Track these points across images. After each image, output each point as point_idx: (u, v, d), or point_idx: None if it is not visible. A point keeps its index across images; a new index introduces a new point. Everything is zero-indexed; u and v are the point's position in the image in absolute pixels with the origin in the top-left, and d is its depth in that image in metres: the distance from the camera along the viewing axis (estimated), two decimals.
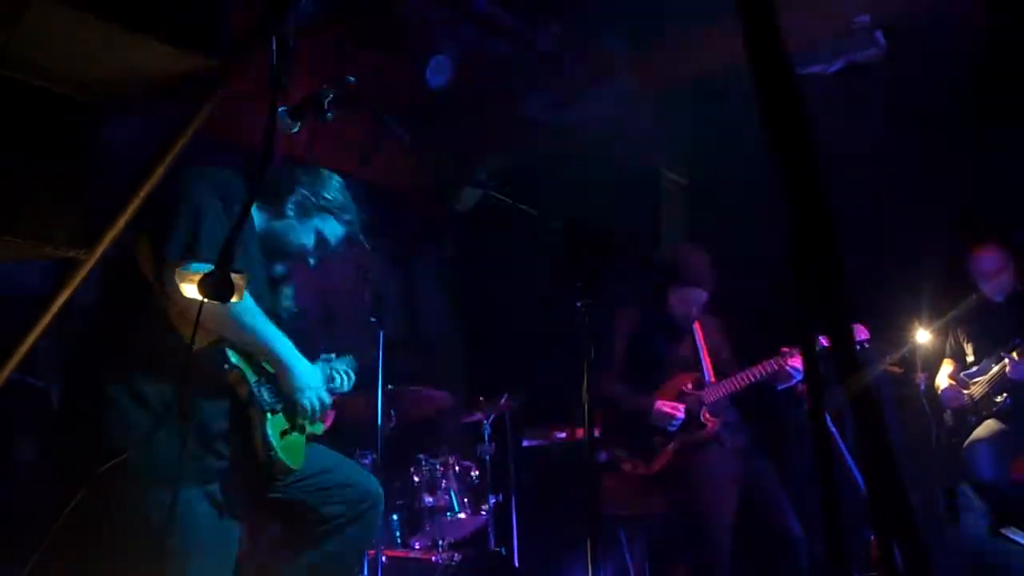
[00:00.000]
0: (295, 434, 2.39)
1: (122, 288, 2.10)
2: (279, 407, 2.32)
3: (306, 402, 2.35)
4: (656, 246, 5.53)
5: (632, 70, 5.02)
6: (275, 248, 2.53)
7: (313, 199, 2.55)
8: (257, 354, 2.28)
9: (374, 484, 2.60)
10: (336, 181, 2.64)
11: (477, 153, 5.51)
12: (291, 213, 2.52)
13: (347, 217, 2.65)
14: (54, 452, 2.25)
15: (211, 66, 1.33)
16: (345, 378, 2.75)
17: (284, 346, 2.32)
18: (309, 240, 2.58)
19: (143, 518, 2.04)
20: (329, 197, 2.58)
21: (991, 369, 4.21)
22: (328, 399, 2.45)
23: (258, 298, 2.33)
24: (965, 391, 4.30)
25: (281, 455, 2.25)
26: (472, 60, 4.64)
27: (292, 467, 2.32)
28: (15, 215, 1.29)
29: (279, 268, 2.58)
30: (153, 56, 1.31)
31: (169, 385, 2.10)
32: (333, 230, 2.63)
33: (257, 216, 2.48)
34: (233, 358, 2.21)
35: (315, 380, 2.41)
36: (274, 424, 2.29)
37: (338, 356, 2.79)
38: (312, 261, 2.64)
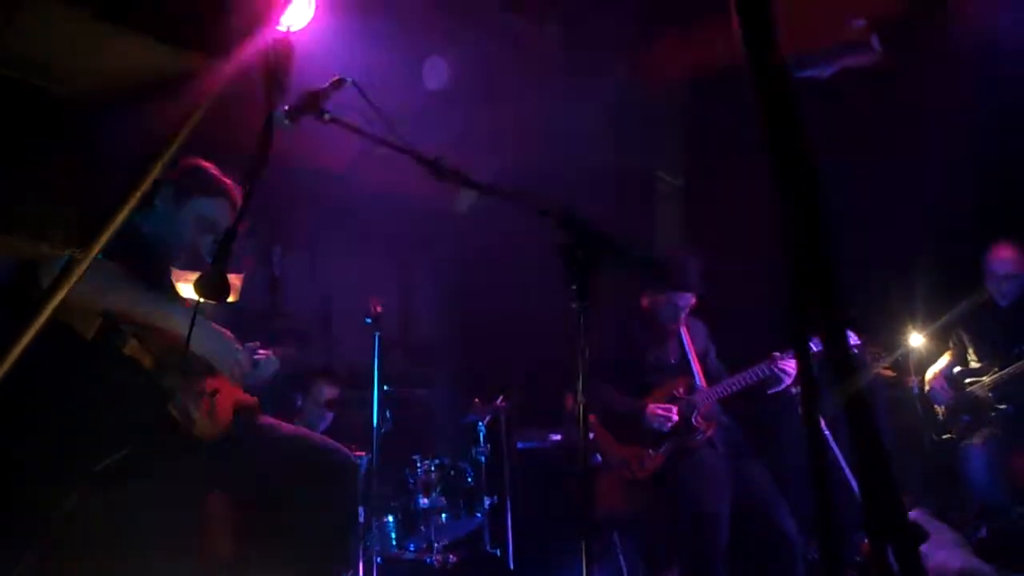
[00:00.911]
0: (218, 399, 2.30)
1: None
2: (194, 372, 2.24)
3: (224, 366, 2.29)
4: (651, 248, 5.53)
5: (628, 71, 5.03)
6: (165, 252, 2.47)
7: (175, 185, 2.47)
8: (146, 320, 2.16)
9: (341, 452, 2.52)
10: (194, 161, 2.52)
11: (474, 154, 5.51)
12: (160, 207, 2.45)
13: (219, 188, 2.53)
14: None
15: (208, 65, 1.33)
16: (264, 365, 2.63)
17: (180, 311, 2.21)
18: (186, 228, 2.49)
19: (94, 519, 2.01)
20: (191, 179, 2.49)
21: (994, 373, 4.19)
22: (246, 360, 2.37)
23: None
24: (954, 390, 4.30)
25: (203, 422, 2.19)
26: (468, 59, 4.65)
27: (218, 430, 2.25)
28: (11, 214, 1.29)
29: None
30: (150, 55, 1.31)
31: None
32: (210, 207, 2.52)
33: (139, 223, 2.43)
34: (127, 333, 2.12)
35: (226, 341, 2.32)
36: (189, 393, 2.20)
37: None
38: (206, 253, 2.53)
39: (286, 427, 2.56)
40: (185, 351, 2.18)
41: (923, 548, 3.06)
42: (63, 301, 1.94)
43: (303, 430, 2.59)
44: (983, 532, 3.89)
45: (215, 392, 2.29)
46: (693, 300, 4.01)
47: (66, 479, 1.92)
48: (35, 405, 2.02)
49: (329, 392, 4.52)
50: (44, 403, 2.01)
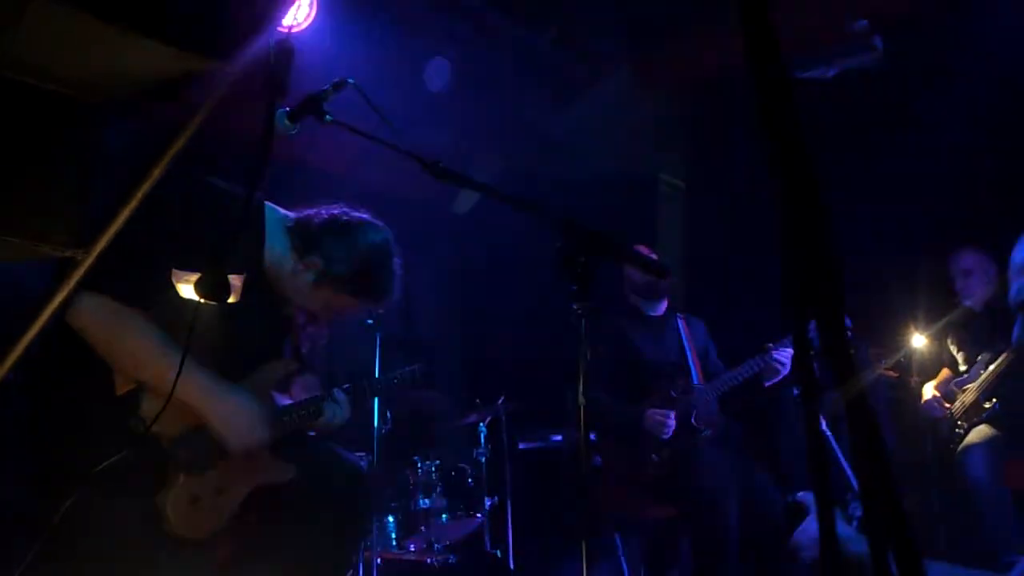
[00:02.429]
0: (223, 498, 2.10)
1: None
2: (201, 467, 2.04)
3: (232, 443, 2.07)
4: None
5: (629, 73, 5.03)
6: (280, 291, 2.30)
7: (331, 269, 2.27)
8: (168, 393, 1.90)
9: (356, 463, 2.40)
10: (368, 249, 2.32)
11: (475, 156, 5.52)
12: (302, 271, 2.26)
13: (371, 299, 2.37)
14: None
15: (211, 67, 1.33)
16: (338, 410, 2.45)
17: (200, 386, 2.00)
18: (315, 307, 2.33)
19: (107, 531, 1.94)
20: (346, 270, 2.27)
21: (980, 376, 4.24)
22: (260, 435, 2.13)
23: (231, 334, 2.12)
24: (949, 404, 4.33)
25: (175, 523, 1.98)
26: (471, 62, 4.65)
27: (187, 535, 2.02)
28: (12, 215, 1.29)
29: (294, 313, 2.35)
30: (152, 56, 1.31)
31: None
32: (345, 305, 2.34)
33: (280, 241, 2.28)
34: (147, 404, 1.94)
35: (241, 418, 2.08)
36: (187, 485, 2.01)
37: (347, 384, 2.52)
38: (309, 325, 2.41)
39: (309, 438, 2.51)
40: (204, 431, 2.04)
41: (804, 523, 3.10)
42: (109, 351, 1.90)
43: (318, 440, 2.52)
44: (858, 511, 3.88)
45: (221, 491, 2.11)
46: (641, 276, 4.05)
47: (65, 481, 1.91)
48: (40, 421, 1.98)
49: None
50: (47, 424, 1.96)
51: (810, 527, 3.23)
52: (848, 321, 3.81)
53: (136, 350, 1.95)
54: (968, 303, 4.40)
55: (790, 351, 3.80)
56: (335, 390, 2.47)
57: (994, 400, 4.17)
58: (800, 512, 3.14)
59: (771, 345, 3.84)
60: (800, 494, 3.52)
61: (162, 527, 1.99)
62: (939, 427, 4.36)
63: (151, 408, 1.93)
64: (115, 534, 1.98)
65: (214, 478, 2.08)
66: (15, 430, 2.03)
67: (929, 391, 4.44)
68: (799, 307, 0.91)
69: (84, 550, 1.97)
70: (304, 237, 2.29)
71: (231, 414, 2.07)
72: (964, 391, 4.28)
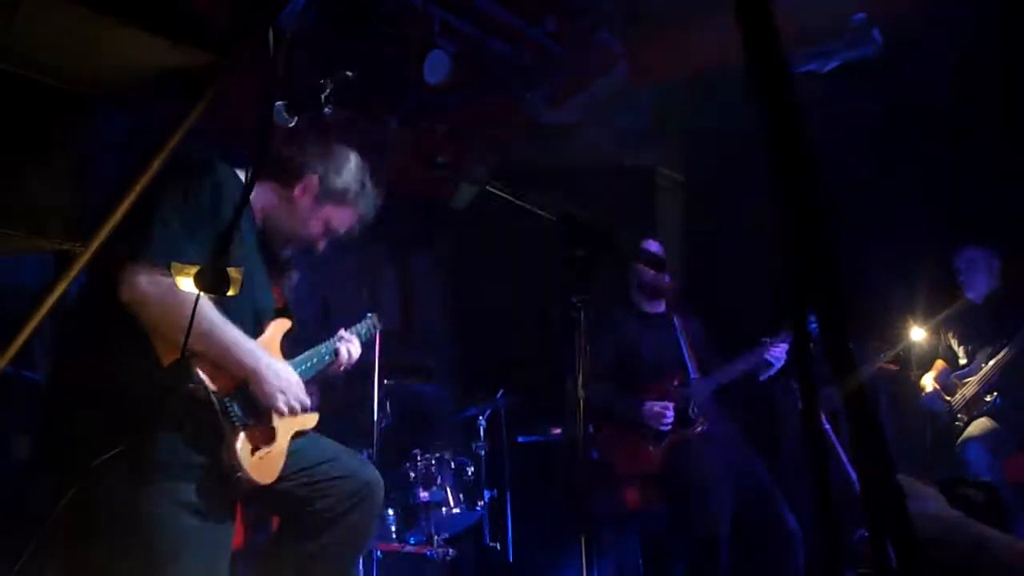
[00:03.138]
0: (275, 447, 2.26)
1: (98, 293, 2.04)
2: (251, 421, 2.18)
3: (283, 407, 2.23)
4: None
5: (629, 66, 5.02)
6: (278, 233, 2.42)
7: (325, 183, 2.41)
8: (221, 363, 2.11)
9: (371, 473, 2.50)
10: (353, 163, 2.46)
11: (474, 150, 5.51)
12: (299, 197, 2.39)
13: (361, 204, 2.50)
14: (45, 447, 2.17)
15: (209, 60, 1.33)
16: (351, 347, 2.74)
17: (249, 352, 2.16)
18: (316, 229, 2.46)
19: (136, 514, 1.99)
20: (342, 184, 2.43)
21: (981, 369, 4.24)
22: (307, 400, 2.32)
23: (251, 296, 2.26)
24: (950, 396, 4.33)
25: (251, 473, 2.13)
26: (469, 56, 4.64)
27: (261, 482, 2.19)
28: (10, 208, 1.29)
29: (285, 253, 2.47)
30: (149, 50, 1.30)
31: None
32: (343, 219, 2.50)
33: (262, 196, 2.37)
34: (199, 372, 2.07)
35: (289, 382, 2.26)
36: (247, 439, 2.14)
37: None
38: (317, 250, 2.53)
39: (323, 439, 2.57)
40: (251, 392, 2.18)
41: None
42: (165, 323, 1.99)
43: (339, 445, 2.58)
44: None
45: (272, 439, 2.25)
46: (659, 247, 4.06)
47: (65, 474, 1.92)
48: (87, 401, 2.03)
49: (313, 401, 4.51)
50: (98, 404, 2.01)
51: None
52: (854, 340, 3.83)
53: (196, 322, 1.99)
54: (971, 295, 4.41)
55: (785, 345, 3.82)
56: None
57: (995, 394, 4.17)
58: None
59: (767, 340, 3.86)
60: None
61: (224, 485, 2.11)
62: (938, 420, 4.37)
63: (201, 369, 2.06)
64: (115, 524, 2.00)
65: (266, 430, 2.23)
66: (62, 417, 2.08)
67: (928, 383, 4.44)
68: (798, 302, 0.91)
69: (86, 541, 1.99)
70: (287, 169, 2.38)
71: (280, 382, 2.23)
72: (965, 384, 4.29)
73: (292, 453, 2.35)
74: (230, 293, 1.63)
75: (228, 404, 2.12)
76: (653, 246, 4.05)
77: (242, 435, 2.13)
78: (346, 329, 2.87)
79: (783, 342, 3.83)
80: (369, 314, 3.12)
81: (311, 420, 2.44)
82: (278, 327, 2.43)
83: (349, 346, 2.76)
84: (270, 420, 2.25)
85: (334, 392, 4.62)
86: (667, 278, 4.09)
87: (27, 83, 1.33)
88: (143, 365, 2.02)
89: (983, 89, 4.42)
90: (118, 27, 1.25)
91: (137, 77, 1.41)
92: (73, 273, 1.32)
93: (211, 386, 2.07)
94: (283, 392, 2.22)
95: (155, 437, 2.00)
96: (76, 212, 1.34)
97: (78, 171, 1.42)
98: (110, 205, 1.33)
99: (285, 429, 2.31)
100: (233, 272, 1.61)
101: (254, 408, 2.20)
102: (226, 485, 2.13)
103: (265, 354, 2.23)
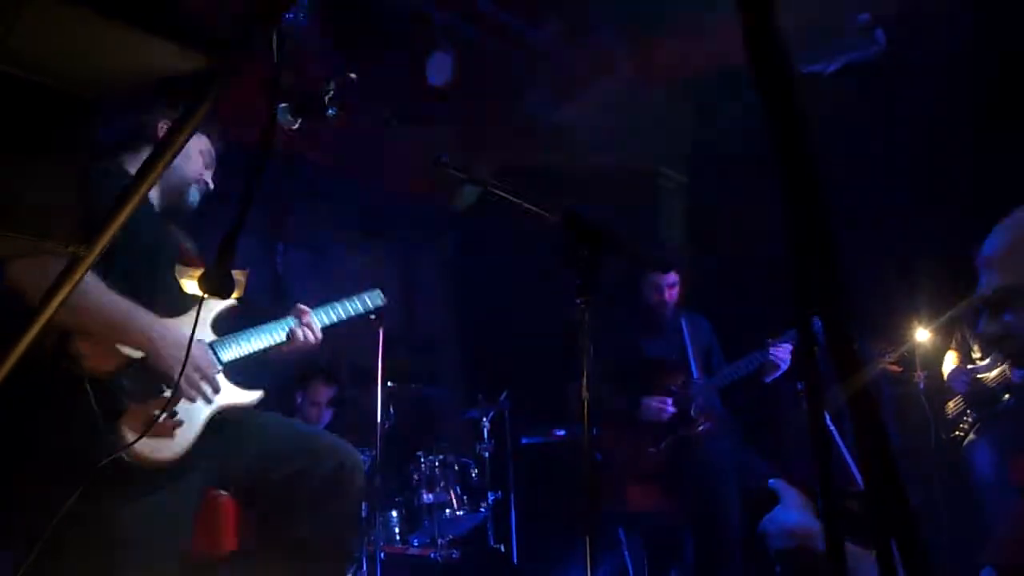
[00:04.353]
0: (180, 421, 2.16)
1: None
2: (143, 397, 2.08)
3: (179, 380, 2.10)
4: (654, 244, 5.54)
5: (631, 68, 5.02)
6: (173, 186, 2.40)
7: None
8: (110, 339, 2.04)
9: (345, 449, 2.42)
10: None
11: (477, 151, 5.52)
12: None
13: (208, 125, 2.45)
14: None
15: (212, 62, 1.33)
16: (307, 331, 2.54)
17: (139, 326, 2.07)
18: (196, 162, 2.44)
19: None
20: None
21: (999, 366, 4.19)
22: (210, 374, 2.22)
23: (163, 275, 2.24)
24: (974, 376, 4.28)
25: (140, 451, 2.03)
26: (472, 57, 4.64)
27: (158, 459, 2.09)
28: (14, 211, 1.29)
29: (190, 202, 2.43)
30: (152, 52, 1.30)
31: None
32: (203, 142, 2.45)
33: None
34: (79, 350, 1.99)
35: (195, 357, 2.14)
36: (135, 416, 2.05)
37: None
38: (210, 183, 2.47)
39: (293, 425, 2.54)
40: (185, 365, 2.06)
41: (774, 511, 3.10)
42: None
43: (310, 427, 2.55)
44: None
45: (175, 413, 2.17)
46: (674, 278, 4.04)
47: (66, 479, 1.91)
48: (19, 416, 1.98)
49: (326, 393, 4.52)
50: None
51: (779, 516, 3.23)
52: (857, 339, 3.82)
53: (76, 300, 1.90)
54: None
55: (789, 346, 3.82)
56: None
57: (1008, 396, 4.13)
58: (770, 499, 3.14)
59: (770, 341, 3.86)
60: (772, 481, 3.52)
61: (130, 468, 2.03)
62: (945, 417, 4.33)
63: (78, 349, 1.99)
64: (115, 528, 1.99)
65: (163, 403, 2.12)
66: None
67: (950, 365, 4.39)
68: (802, 302, 0.91)
69: (86, 545, 1.98)
70: (151, 129, 2.35)
71: (178, 353, 2.11)
72: (982, 377, 4.24)
73: (265, 443, 2.33)
74: (234, 296, 1.63)
75: (115, 382, 2.04)
76: (671, 279, 4.05)
77: (131, 407, 2.05)
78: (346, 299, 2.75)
79: (786, 342, 3.83)
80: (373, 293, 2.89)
81: (245, 397, 2.37)
82: (213, 304, 2.35)
83: (307, 330, 2.55)
84: (172, 393, 2.14)
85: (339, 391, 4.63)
86: (675, 295, 4.10)
87: (30, 85, 1.33)
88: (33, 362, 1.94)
89: (983, 89, 4.42)
90: (121, 30, 1.25)
91: (140, 80, 1.41)
92: (77, 276, 1.32)
93: (93, 364, 1.99)
94: (179, 362, 2.06)
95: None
96: (80, 215, 1.34)
97: (82, 174, 1.43)
98: (113, 208, 1.33)
99: (197, 404, 2.24)
100: (238, 275, 1.61)
101: (148, 384, 2.10)
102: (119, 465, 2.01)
103: (161, 325, 2.13)
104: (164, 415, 2.10)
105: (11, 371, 1.81)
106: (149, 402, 2.10)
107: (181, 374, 2.04)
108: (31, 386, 1.92)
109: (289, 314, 2.56)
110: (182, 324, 2.21)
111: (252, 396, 2.39)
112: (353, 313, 2.76)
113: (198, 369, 2.20)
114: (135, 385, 2.08)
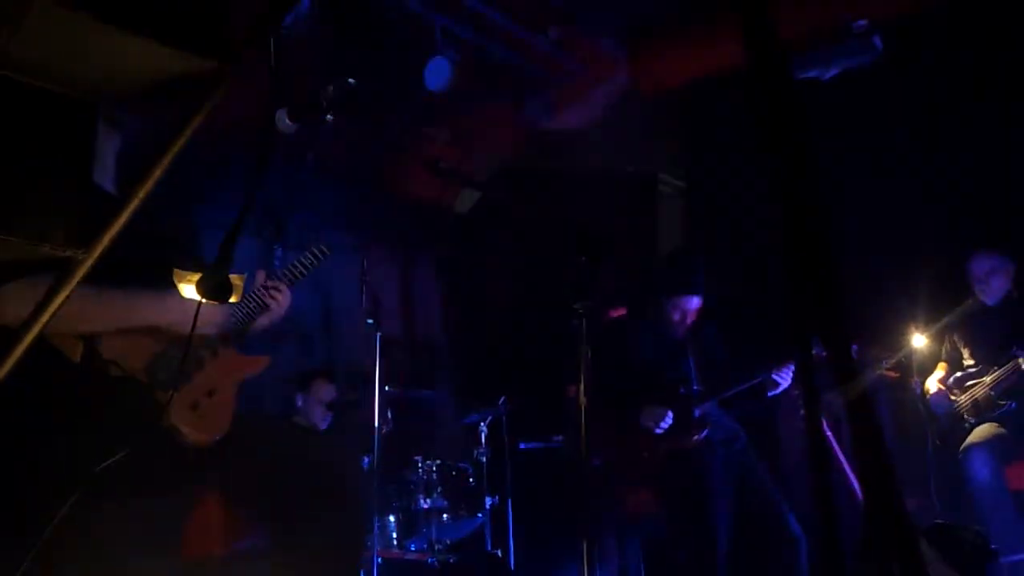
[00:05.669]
0: (217, 398, 2.20)
1: None
2: (181, 380, 2.12)
3: (219, 323, 2.14)
4: (653, 249, 5.54)
5: (630, 74, 5.03)
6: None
7: None
8: (129, 330, 2.04)
9: (345, 453, 2.46)
10: None
11: (475, 156, 5.52)
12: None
13: None
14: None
15: (211, 67, 1.33)
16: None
17: (148, 303, 2.08)
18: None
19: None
20: None
21: (993, 372, 4.19)
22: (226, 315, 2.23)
23: None
24: (955, 396, 4.30)
25: (191, 430, 2.10)
26: (471, 63, 4.65)
27: (208, 437, 2.15)
28: (13, 215, 1.29)
29: None
30: (152, 56, 1.30)
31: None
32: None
33: (114, 146, 2.22)
34: (112, 350, 2.01)
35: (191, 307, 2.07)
36: (181, 399, 2.09)
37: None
38: None
39: (294, 428, 2.54)
40: (186, 350, 2.04)
41: None
42: (48, 328, 1.91)
43: (311, 430, 2.54)
44: None
45: (212, 392, 2.21)
46: (698, 302, 4.02)
47: (66, 481, 1.91)
48: (28, 426, 1.96)
49: (327, 394, 4.51)
50: (37, 425, 1.95)
51: None
52: (854, 347, 3.83)
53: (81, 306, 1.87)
54: (990, 301, 4.33)
55: (791, 368, 3.82)
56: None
57: (1010, 400, 4.12)
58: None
59: (772, 364, 3.86)
60: None
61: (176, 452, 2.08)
62: (942, 423, 4.34)
63: (111, 350, 2.01)
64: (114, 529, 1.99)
65: (201, 383, 2.18)
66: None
67: (933, 385, 4.41)
68: (799, 308, 0.91)
69: (86, 546, 1.98)
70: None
71: (180, 303, 2.09)
72: (975, 385, 4.24)
73: (268, 447, 2.36)
74: (233, 299, 1.62)
75: (152, 372, 2.07)
76: (695, 303, 4.04)
77: (175, 397, 2.07)
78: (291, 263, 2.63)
79: (787, 367, 3.84)
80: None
81: (257, 365, 2.38)
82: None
83: (276, 294, 2.45)
84: (205, 372, 2.19)
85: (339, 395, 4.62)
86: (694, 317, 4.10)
87: (30, 90, 1.34)
88: (59, 370, 1.96)
89: (983, 90, 4.43)
90: (121, 34, 1.26)
91: (139, 84, 1.41)
92: (75, 280, 1.32)
93: (129, 365, 2.02)
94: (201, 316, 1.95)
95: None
96: (79, 219, 1.34)
97: (80, 177, 1.43)
98: (112, 212, 1.34)
99: (224, 377, 2.26)
100: (235, 279, 1.61)
101: (180, 371, 2.13)
102: (172, 449, 2.07)
103: (166, 293, 2.08)
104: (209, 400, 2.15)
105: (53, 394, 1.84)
106: (184, 387, 2.14)
107: (190, 342, 1.96)
108: (78, 400, 1.95)
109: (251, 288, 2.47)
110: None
111: (261, 362, 2.40)
112: (309, 268, 2.63)
113: (255, 285, 2.26)
114: (169, 375, 2.11)
